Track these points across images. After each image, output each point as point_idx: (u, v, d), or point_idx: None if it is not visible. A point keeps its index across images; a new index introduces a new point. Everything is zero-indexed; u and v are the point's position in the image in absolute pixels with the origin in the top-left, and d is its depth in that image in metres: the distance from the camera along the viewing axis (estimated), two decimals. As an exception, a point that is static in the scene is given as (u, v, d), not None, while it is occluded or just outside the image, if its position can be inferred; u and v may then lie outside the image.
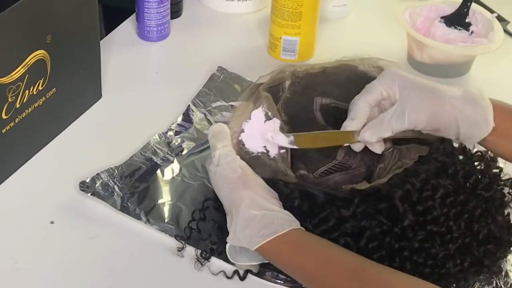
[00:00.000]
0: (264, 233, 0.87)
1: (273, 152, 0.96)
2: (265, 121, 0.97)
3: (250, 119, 0.97)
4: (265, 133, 0.96)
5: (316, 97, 1.04)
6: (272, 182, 0.93)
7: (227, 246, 0.90)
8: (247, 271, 0.92)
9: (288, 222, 0.89)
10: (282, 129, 0.98)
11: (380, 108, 0.94)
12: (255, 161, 0.94)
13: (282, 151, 0.96)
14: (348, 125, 0.93)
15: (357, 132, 0.93)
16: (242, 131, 0.97)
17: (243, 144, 0.96)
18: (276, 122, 0.98)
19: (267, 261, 0.91)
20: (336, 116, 1.05)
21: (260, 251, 0.89)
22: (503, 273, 0.93)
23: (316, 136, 0.96)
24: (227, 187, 0.91)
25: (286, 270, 0.90)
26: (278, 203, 0.91)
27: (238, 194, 0.90)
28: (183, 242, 0.94)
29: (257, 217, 0.88)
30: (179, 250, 0.93)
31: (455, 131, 0.91)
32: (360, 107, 0.92)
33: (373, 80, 0.95)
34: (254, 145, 0.96)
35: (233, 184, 0.91)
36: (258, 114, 0.98)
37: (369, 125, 0.92)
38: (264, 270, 0.92)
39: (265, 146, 0.96)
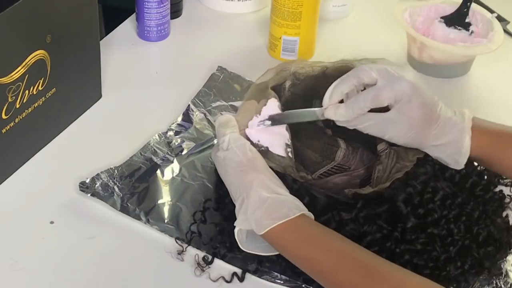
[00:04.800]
0: (275, 216, 0.86)
1: (279, 149, 0.96)
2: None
3: (260, 114, 0.97)
4: (273, 130, 0.97)
5: (315, 100, 1.04)
6: (281, 176, 0.92)
7: (236, 230, 0.89)
8: (245, 272, 0.92)
9: (298, 207, 0.88)
10: (287, 129, 0.98)
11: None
12: (263, 155, 0.93)
13: (288, 149, 0.96)
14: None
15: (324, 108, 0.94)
16: (250, 125, 0.97)
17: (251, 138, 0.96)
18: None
19: (273, 253, 0.90)
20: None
21: (268, 238, 0.87)
22: (503, 274, 0.93)
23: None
24: (237, 170, 0.90)
25: (293, 260, 0.88)
26: (286, 189, 0.90)
27: (249, 176, 0.89)
28: (184, 247, 0.94)
29: (269, 199, 0.87)
30: (179, 254, 0.93)
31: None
32: (361, 108, 0.92)
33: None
34: (263, 139, 0.96)
35: (243, 167, 0.90)
36: (269, 110, 0.98)
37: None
38: (263, 270, 0.92)
39: (272, 142, 0.96)
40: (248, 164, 0.90)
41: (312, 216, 0.89)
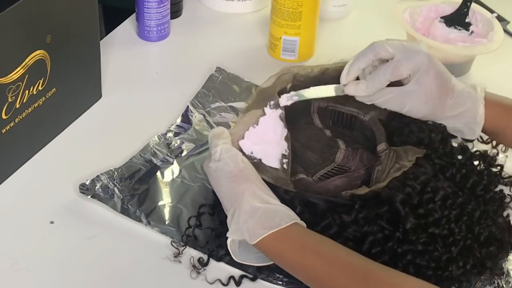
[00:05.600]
0: (268, 225, 0.86)
1: (274, 160, 0.95)
2: (276, 128, 0.97)
3: (257, 125, 0.97)
4: (270, 140, 0.96)
5: (314, 100, 1.04)
6: (273, 188, 0.92)
7: (228, 241, 0.89)
8: (243, 276, 0.91)
9: (290, 216, 0.88)
10: (287, 139, 0.98)
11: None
12: (256, 167, 0.93)
13: (284, 160, 0.96)
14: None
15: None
16: (246, 136, 0.97)
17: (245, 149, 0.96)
18: (284, 131, 0.98)
19: (266, 263, 0.90)
20: (333, 119, 1.06)
21: (262, 247, 0.87)
22: (504, 273, 0.93)
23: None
24: (229, 181, 0.90)
25: (288, 268, 0.88)
26: (277, 199, 0.90)
27: (241, 187, 0.89)
28: (180, 250, 0.93)
29: (261, 209, 0.87)
30: (175, 256, 0.93)
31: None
32: (381, 82, 0.94)
33: None
34: (256, 151, 0.96)
35: (235, 177, 0.90)
36: (269, 118, 0.97)
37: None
38: (259, 274, 0.91)
39: (267, 153, 0.96)
40: (239, 175, 0.90)
41: (304, 225, 0.89)
